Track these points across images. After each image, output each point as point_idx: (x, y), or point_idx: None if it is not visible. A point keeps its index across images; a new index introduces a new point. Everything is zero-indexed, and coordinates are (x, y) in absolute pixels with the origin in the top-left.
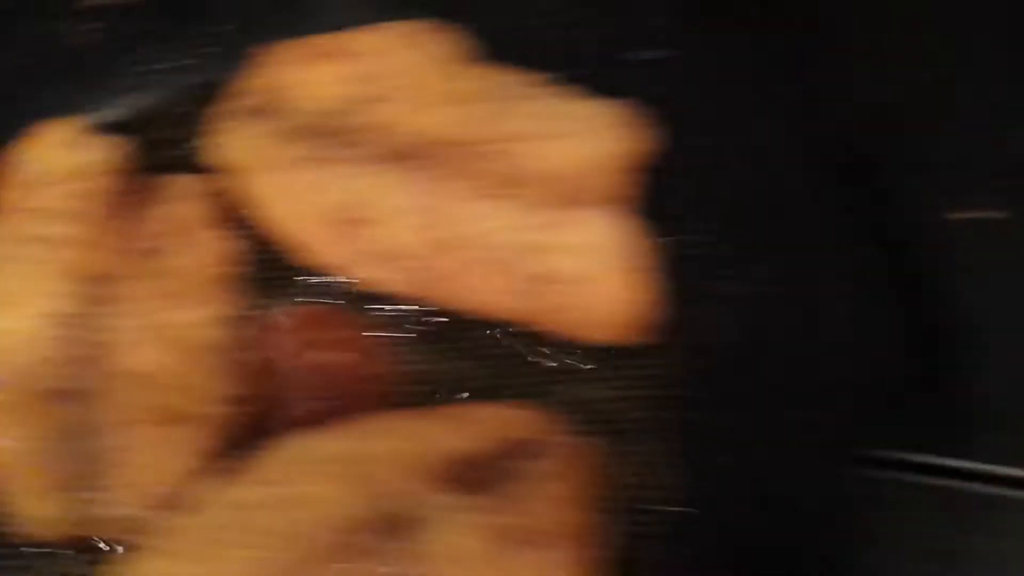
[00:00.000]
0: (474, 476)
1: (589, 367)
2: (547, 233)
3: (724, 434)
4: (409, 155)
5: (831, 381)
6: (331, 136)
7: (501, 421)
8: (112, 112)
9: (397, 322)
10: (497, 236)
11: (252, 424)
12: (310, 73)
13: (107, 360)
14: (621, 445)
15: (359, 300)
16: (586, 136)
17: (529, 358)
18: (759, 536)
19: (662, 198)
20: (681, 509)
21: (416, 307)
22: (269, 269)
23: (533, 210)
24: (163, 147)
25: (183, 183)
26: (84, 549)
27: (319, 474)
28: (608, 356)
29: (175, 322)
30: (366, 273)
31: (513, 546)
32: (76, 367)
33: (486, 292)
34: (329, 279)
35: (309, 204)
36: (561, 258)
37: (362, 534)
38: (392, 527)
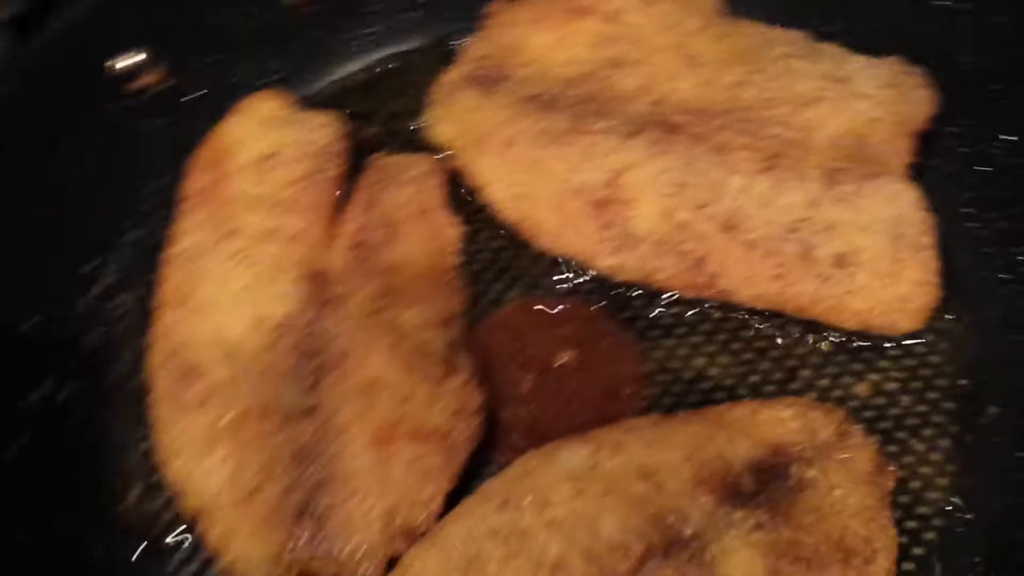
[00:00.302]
0: (755, 487)
1: (873, 357)
2: (831, 209)
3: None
4: (670, 126)
5: None
6: (577, 106)
7: (783, 423)
8: (327, 82)
9: (655, 316)
10: (775, 214)
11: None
12: (552, 34)
13: (337, 370)
14: (907, 443)
15: (610, 292)
16: (869, 98)
17: (805, 351)
18: None
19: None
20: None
21: (676, 298)
22: (503, 259)
23: (814, 183)
24: (384, 122)
25: (407, 163)
26: None
27: (595, 491)
28: (892, 344)
29: (402, 324)
30: (619, 260)
31: (794, 565)
32: (304, 378)
33: (761, 278)
34: (575, 269)
35: (552, 184)
36: (847, 237)
37: (644, 557)
38: (674, 547)
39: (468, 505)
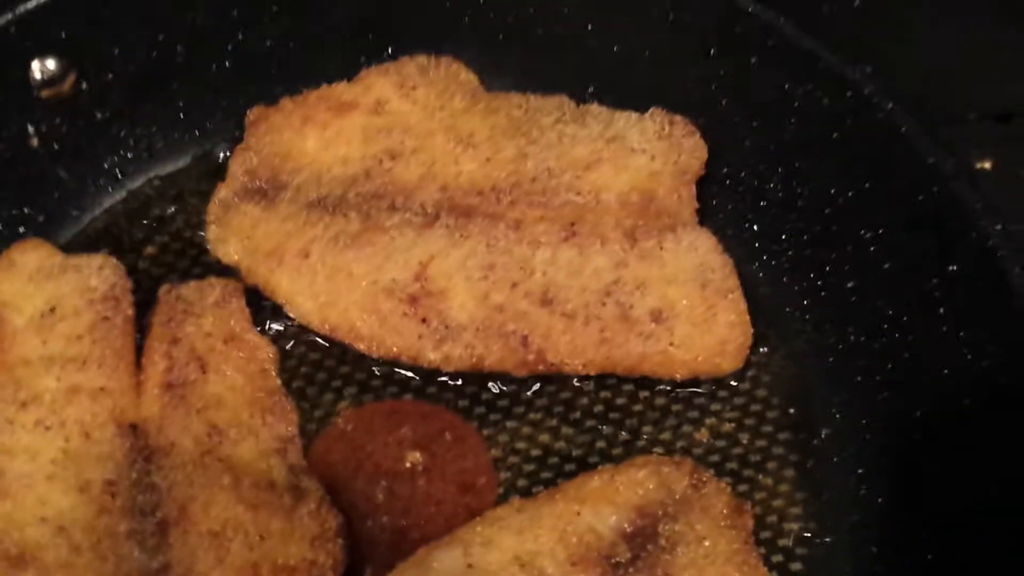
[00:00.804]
0: (631, 554)
1: (705, 402)
2: (638, 267)
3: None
4: (463, 210)
5: None
6: (365, 204)
7: (640, 483)
8: (89, 219)
9: (491, 400)
10: (586, 281)
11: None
12: (319, 134)
13: (180, 523)
14: (755, 480)
15: (442, 384)
16: (644, 152)
17: (642, 408)
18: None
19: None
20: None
21: (508, 378)
22: (325, 369)
23: (615, 245)
24: (160, 251)
25: (201, 290)
26: None
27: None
28: (719, 386)
29: (237, 460)
30: (444, 353)
31: None
32: (147, 539)
33: (586, 346)
34: (401, 368)
35: (359, 288)
36: (659, 292)
37: None
38: None
39: None
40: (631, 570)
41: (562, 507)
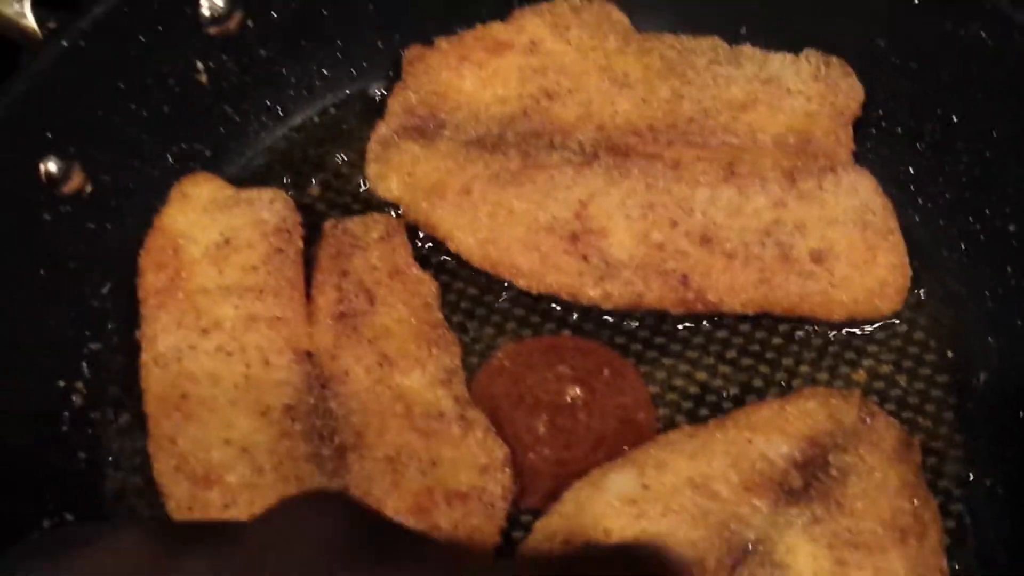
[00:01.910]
0: (802, 482)
1: (863, 344)
2: (798, 208)
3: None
4: (621, 149)
5: None
6: (524, 143)
7: (810, 415)
8: (252, 155)
9: (649, 337)
10: (746, 221)
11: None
12: (476, 74)
13: (357, 449)
14: (914, 421)
15: (600, 320)
16: (800, 94)
17: (799, 348)
18: None
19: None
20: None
21: (666, 316)
22: (485, 305)
23: (775, 185)
24: (323, 187)
25: (366, 226)
26: None
27: (655, 512)
28: (878, 328)
29: (407, 390)
30: (603, 290)
31: (857, 552)
32: (327, 463)
33: (746, 286)
34: (560, 304)
35: (520, 225)
36: (819, 233)
37: (716, 569)
38: (743, 554)
39: (529, 548)
40: (804, 499)
41: (733, 434)
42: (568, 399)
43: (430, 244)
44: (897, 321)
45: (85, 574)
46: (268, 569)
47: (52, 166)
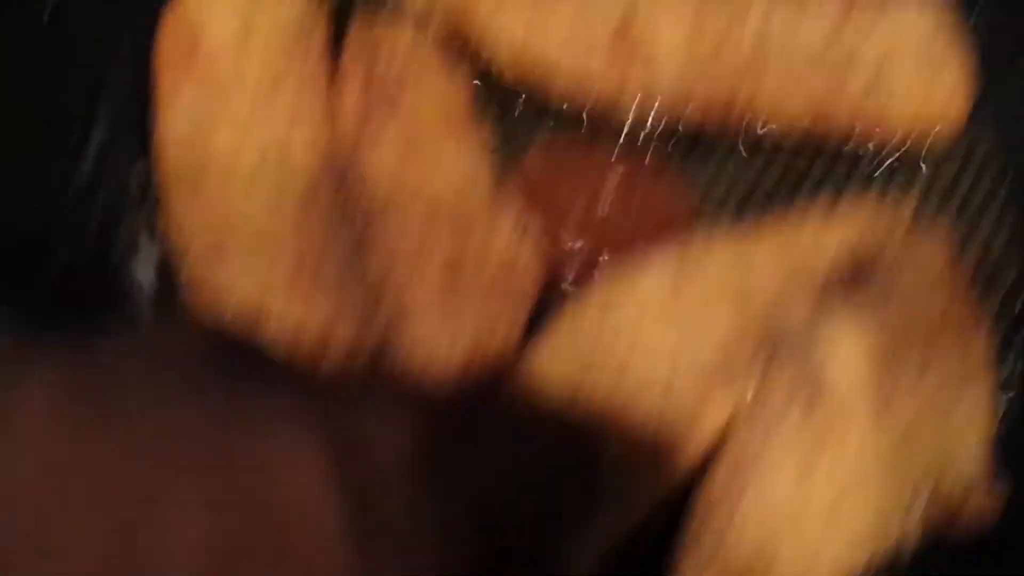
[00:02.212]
0: (851, 276)
1: (916, 159)
2: (860, 21)
3: None
4: None
5: None
6: None
7: (861, 215)
8: None
9: (693, 146)
10: (803, 34)
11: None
12: None
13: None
14: (966, 233)
15: (643, 126)
16: None
17: (851, 166)
18: None
19: None
20: None
21: (711, 127)
22: (520, 107)
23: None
24: None
25: (394, 28)
26: None
27: (695, 297)
28: (933, 143)
29: (434, 177)
30: (647, 97)
31: (902, 346)
32: (354, 224)
33: (798, 100)
34: (601, 108)
35: (561, 26)
36: (881, 47)
37: (758, 353)
38: (787, 340)
39: (565, 318)
40: (850, 291)
41: (782, 227)
42: (607, 191)
43: (464, 41)
44: (957, 137)
45: None
46: (119, 384)
47: None
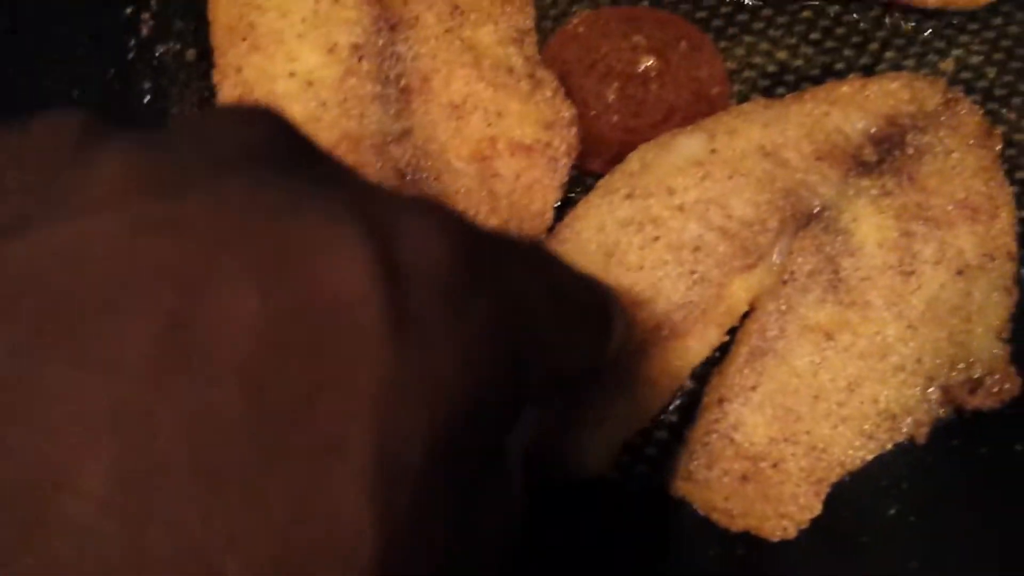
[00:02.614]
0: (876, 156)
1: (954, 33)
2: None
3: None
4: None
5: None
6: None
7: (892, 94)
8: None
9: (730, 13)
10: None
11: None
12: None
13: (422, 93)
14: (998, 113)
15: None
16: None
17: (886, 33)
18: None
19: None
20: None
21: None
22: None
23: None
24: None
25: None
26: None
27: (720, 174)
28: (971, 18)
29: (477, 42)
30: None
31: (925, 225)
32: (391, 104)
33: None
34: None
35: None
36: None
37: (780, 230)
38: (808, 218)
39: (591, 202)
40: (876, 172)
41: (811, 107)
42: (641, 69)
43: None
44: (992, 12)
45: None
46: (183, 165)
47: None
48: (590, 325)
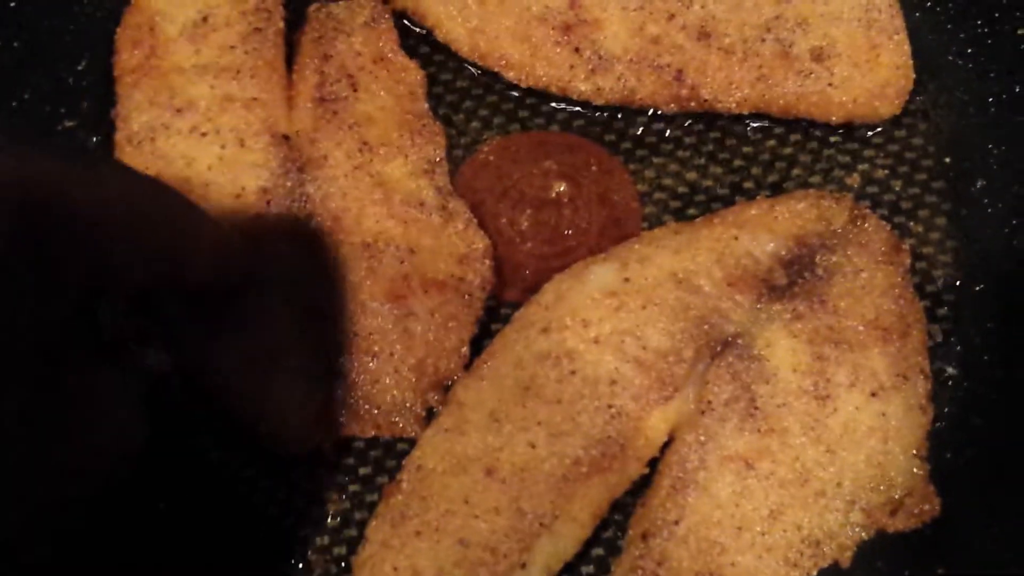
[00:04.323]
0: (787, 279)
1: (858, 148)
2: (801, 4)
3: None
4: None
5: None
6: None
7: (799, 215)
8: None
9: (639, 135)
10: (746, 16)
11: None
12: None
13: (333, 232)
14: (905, 226)
15: (589, 116)
16: None
17: (792, 150)
18: None
19: None
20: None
21: (657, 114)
22: (472, 97)
23: None
24: None
25: (351, 10)
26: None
27: (634, 304)
28: (875, 132)
29: (387, 177)
30: (595, 84)
31: (838, 348)
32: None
33: (742, 83)
34: (549, 98)
35: (511, 14)
36: (821, 30)
37: (695, 360)
38: (722, 346)
39: (507, 336)
40: (787, 295)
41: (720, 231)
42: (553, 194)
43: (418, 32)
44: (895, 127)
45: None
46: None
47: None
48: (160, 236)
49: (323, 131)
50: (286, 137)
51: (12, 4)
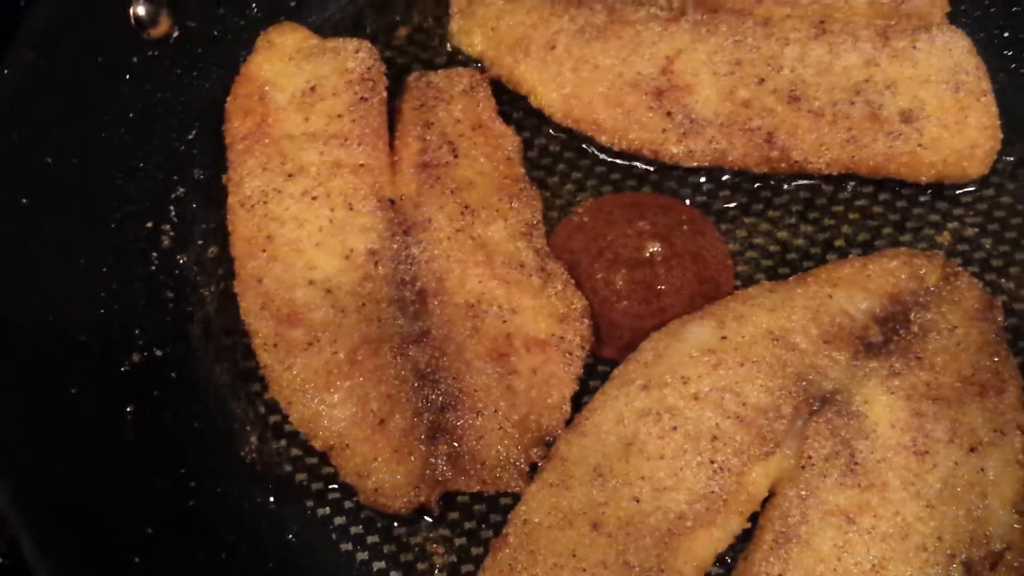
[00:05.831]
0: (882, 336)
1: (948, 207)
2: (889, 67)
3: None
4: (710, 6)
5: None
6: None
7: (892, 273)
8: (337, 7)
9: (730, 196)
10: (836, 79)
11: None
12: None
13: (438, 294)
14: (997, 284)
15: (680, 178)
16: None
17: (883, 210)
18: None
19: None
20: None
21: (747, 175)
22: (566, 161)
23: (867, 43)
24: (407, 39)
25: (450, 79)
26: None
27: (732, 361)
28: (964, 192)
29: (488, 239)
30: (687, 147)
31: (935, 404)
32: (408, 306)
33: (833, 145)
34: (641, 161)
35: (604, 80)
36: (910, 92)
37: (794, 416)
38: (821, 403)
39: (608, 393)
40: (883, 352)
41: (814, 289)
42: (647, 254)
43: (513, 99)
44: (983, 186)
45: None
46: None
47: (141, 9)
48: None
49: (426, 195)
50: (392, 201)
51: (128, 77)
